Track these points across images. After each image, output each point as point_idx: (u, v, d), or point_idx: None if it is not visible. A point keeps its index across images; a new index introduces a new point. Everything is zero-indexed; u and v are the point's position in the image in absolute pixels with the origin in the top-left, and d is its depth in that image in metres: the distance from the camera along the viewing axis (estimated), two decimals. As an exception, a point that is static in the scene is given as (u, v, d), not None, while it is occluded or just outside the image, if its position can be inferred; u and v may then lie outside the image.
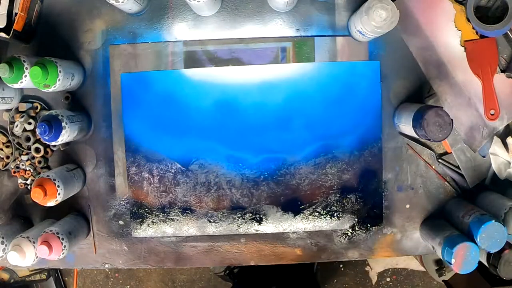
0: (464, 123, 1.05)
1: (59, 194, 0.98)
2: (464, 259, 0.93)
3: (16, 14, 1.00)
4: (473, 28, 1.03)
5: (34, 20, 1.05)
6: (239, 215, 1.10)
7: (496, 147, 1.05)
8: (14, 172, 1.10)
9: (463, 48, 1.04)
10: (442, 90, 1.05)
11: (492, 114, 1.04)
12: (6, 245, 1.00)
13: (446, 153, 1.09)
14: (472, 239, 0.94)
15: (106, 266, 1.13)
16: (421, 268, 1.84)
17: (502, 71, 1.05)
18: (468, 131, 1.05)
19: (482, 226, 0.93)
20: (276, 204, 1.10)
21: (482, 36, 1.04)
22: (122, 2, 0.95)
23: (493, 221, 0.93)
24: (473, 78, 1.04)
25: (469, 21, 1.02)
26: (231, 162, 1.09)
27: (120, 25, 1.08)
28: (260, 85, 1.07)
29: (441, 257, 0.98)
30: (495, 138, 1.06)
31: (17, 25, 1.01)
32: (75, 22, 1.08)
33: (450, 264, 0.94)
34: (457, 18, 1.04)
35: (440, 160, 1.09)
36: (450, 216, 1.06)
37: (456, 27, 1.04)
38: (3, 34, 1.00)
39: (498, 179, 1.07)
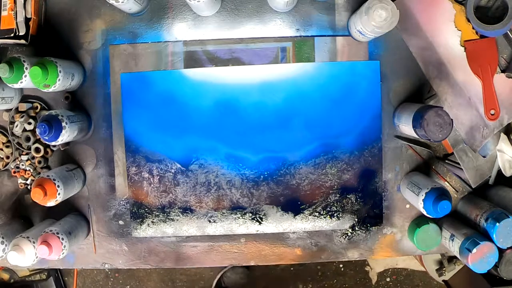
0: (465, 123, 1.05)
1: (59, 194, 0.98)
2: (481, 257, 0.94)
3: (30, 19, 1.01)
4: (473, 28, 1.03)
5: (43, 21, 1.07)
6: (239, 215, 1.10)
7: (503, 144, 1.05)
8: (14, 172, 1.10)
9: (463, 48, 1.04)
10: (442, 90, 1.05)
11: (492, 114, 1.03)
12: (6, 245, 1.00)
13: (452, 154, 1.09)
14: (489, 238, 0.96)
15: (106, 266, 1.13)
16: (421, 268, 1.84)
17: (502, 71, 1.05)
18: (468, 131, 1.05)
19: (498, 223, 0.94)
20: (276, 204, 1.10)
21: (482, 36, 1.04)
22: (122, 2, 0.95)
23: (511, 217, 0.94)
24: (473, 78, 1.04)
25: (469, 21, 1.02)
26: (231, 162, 1.09)
27: (120, 25, 1.08)
28: (260, 85, 1.07)
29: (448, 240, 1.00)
30: (502, 135, 1.05)
31: (32, 30, 1.02)
32: (75, 22, 1.08)
33: (469, 251, 0.94)
34: (457, 18, 1.04)
35: (447, 161, 1.09)
36: (464, 212, 1.06)
37: (456, 27, 1.04)
38: (23, 41, 1.01)
39: (502, 179, 1.07)
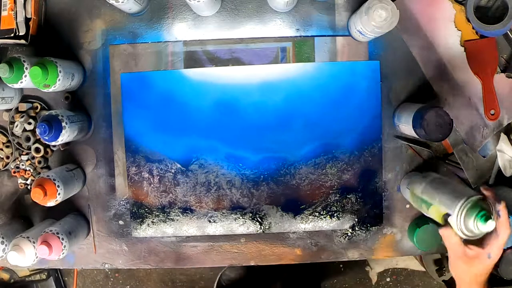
0: (464, 123, 1.05)
1: (59, 194, 0.98)
2: None
3: (29, 19, 1.02)
4: (473, 28, 1.03)
5: (43, 22, 1.07)
6: (239, 215, 1.10)
7: (503, 144, 1.05)
8: (14, 172, 1.10)
9: (463, 48, 1.04)
10: (442, 90, 1.05)
11: (492, 114, 1.03)
12: (6, 245, 1.00)
13: (453, 154, 1.09)
14: None
15: (106, 266, 1.13)
16: (421, 268, 1.84)
17: (502, 71, 1.05)
18: (468, 131, 1.05)
19: None
20: (276, 204, 1.10)
21: (482, 36, 1.04)
22: (122, 2, 0.95)
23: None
24: (473, 78, 1.04)
25: (469, 21, 1.02)
26: (231, 162, 1.09)
27: (120, 25, 1.08)
28: (260, 85, 1.07)
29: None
30: (502, 135, 1.06)
31: (32, 30, 1.03)
32: (75, 22, 1.08)
33: None
34: (457, 18, 1.04)
35: (447, 161, 1.09)
36: None
37: (456, 27, 1.04)
38: (23, 41, 1.01)
39: (502, 179, 1.07)
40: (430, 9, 1.04)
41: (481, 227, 0.71)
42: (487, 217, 0.71)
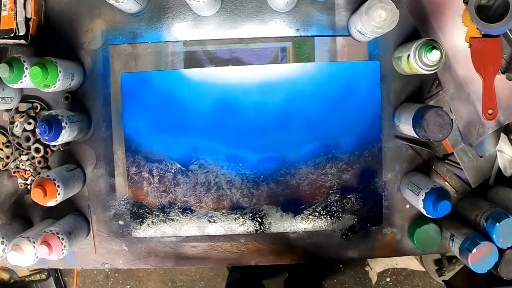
0: (463, 117, 1.05)
1: (59, 194, 0.98)
2: (481, 257, 0.94)
3: (29, 19, 1.02)
4: (477, 28, 1.03)
5: (43, 22, 1.07)
6: (239, 215, 1.10)
7: (503, 144, 1.05)
8: (14, 172, 1.10)
9: (468, 44, 1.04)
10: (445, 80, 1.05)
11: (489, 114, 1.03)
12: (6, 245, 1.00)
13: (453, 154, 1.09)
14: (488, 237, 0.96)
15: (106, 266, 1.13)
16: (421, 268, 1.84)
17: (503, 72, 1.04)
18: (466, 125, 1.05)
19: (498, 223, 0.94)
20: (276, 204, 1.10)
21: (485, 35, 1.04)
22: (122, 2, 0.95)
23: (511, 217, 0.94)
24: (474, 75, 1.04)
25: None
26: (231, 162, 1.09)
27: (120, 25, 1.08)
28: (260, 85, 1.07)
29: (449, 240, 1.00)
30: (502, 135, 1.05)
31: (32, 30, 1.03)
32: (75, 22, 1.08)
33: (469, 251, 0.94)
34: (465, 14, 1.03)
35: (447, 161, 1.09)
36: (464, 212, 1.06)
37: (463, 23, 1.04)
38: (23, 41, 1.01)
39: (502, 179, 1.07)
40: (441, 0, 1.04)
41: (429, 57, 0.90)
42: (432, 48, 0.90)
